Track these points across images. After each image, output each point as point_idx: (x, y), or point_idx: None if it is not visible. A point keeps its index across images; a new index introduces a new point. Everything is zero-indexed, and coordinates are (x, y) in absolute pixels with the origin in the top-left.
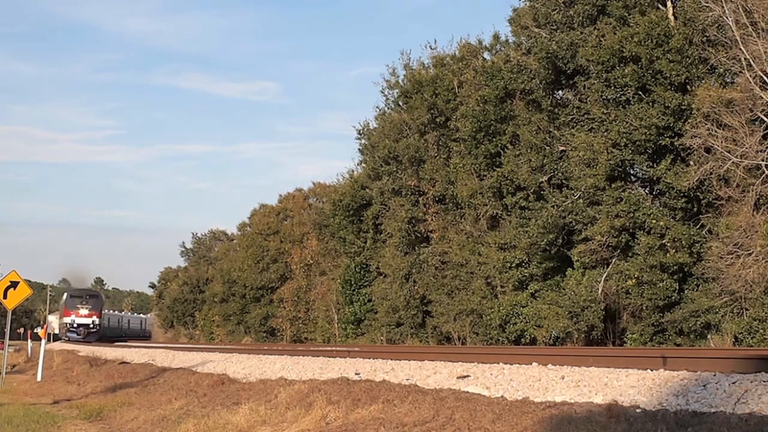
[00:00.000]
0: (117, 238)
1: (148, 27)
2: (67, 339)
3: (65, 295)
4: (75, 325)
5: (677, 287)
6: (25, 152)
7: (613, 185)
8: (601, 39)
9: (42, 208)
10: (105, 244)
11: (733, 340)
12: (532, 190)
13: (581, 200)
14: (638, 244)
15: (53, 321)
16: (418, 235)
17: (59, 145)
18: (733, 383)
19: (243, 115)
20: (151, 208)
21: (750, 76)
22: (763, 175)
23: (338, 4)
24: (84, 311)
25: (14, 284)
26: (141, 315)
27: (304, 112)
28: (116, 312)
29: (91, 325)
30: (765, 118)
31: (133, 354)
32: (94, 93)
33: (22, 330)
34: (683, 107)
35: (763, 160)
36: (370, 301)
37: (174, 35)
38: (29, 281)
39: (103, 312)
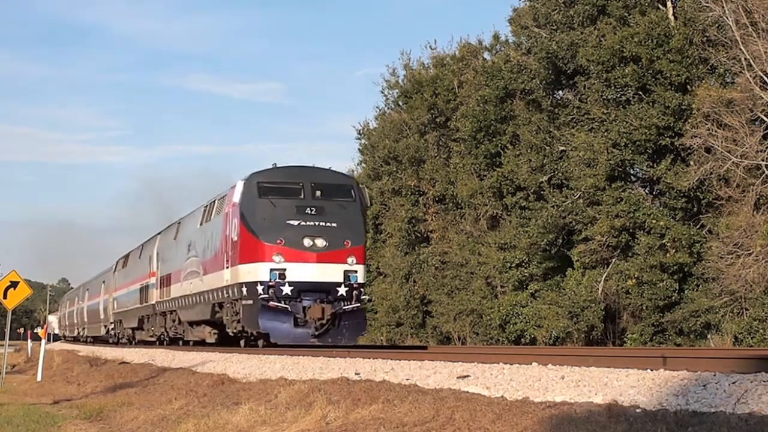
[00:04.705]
0: (120, 238)
1: (154, 28)
2: (249, 335)
3: (239, 189)
4: (287, 293)
5: (677, 287)
6: (31, 152)
7: (613, 185)
8: (601, 39)
9: (45, 208)
10: (107, 244)
11: (733, 340)
12: (532, 190)
13: (581, 200)
14: (638, 244)
15: (53, 321)
16: (418, 235)
17: (65, 145)
18: (733, 383)
19: (248, 116)
20: (155, 208)
21: (750, 76)
22: (763, 175)
23: (343, 4)
24: (317, 241)
25: (14, 284)
26: None
27: (307, 113)
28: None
29: (345, 293)
30: (765, 118)
31: (133, 354)
32: (100, 94)
33: (22, 330)
34: (683, 107)
35: (763, 160)
36: (370, 301)
37: (181, 37)
38: (29, 281)
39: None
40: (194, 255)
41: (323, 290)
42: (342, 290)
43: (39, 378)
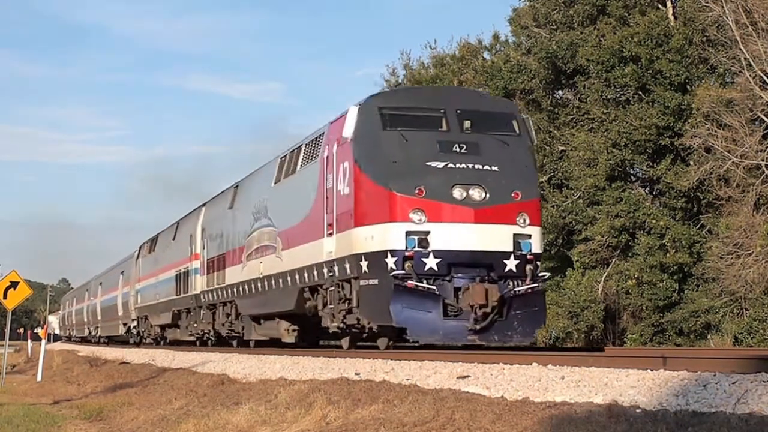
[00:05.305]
0: (121, 239)
1: (154, 28)
2: (364, 330)
3: (352, 118)
4: (432, 267)
5: (677, 287)
6: (31, 152)
7: (613, 185)
8: (601, 39)
9: (45, 208)
10: (107, 244)
11: (733, 340)
12: None
13: (581, 200)
14: (638, 244)
15: (53, 321)
16: None
17: (65, 145)
18: (733, 383)
19: (248, 116)
20: (156, 208)
21: (750, 76)
22: (763, 175)
23: (343, 4)
24: (473, 192)
25: (14, 284)
26: None
27: (307, 113)
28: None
29: (515, 267)
30: (765, 118)
31: (133, 354)
32: (101, 94)
33: (22, 330)
34: (683, 107)
35: (763, 160)
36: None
37: (181, 37)
38: (29, 281)
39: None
40: (266, 224)
41: (484, 263)
42: (511, 263)
43: (39, 378)
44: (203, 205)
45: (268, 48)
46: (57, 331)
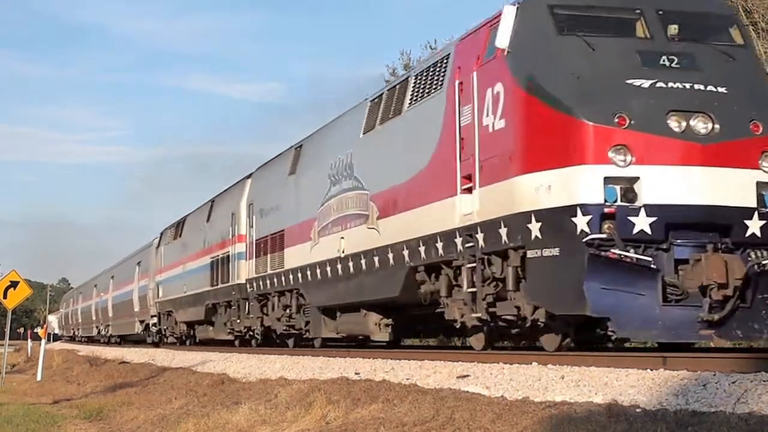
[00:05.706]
0: (120, 238)
1: (154, 28)
2: (521, 321)
3: (508, 22)
4: (644, 230)
5: None
6: (31, 152)
7: None
8: None
9: (45, 208)
10: (107, 244)
11: None
12: None
13: None
14: None
15: (53, 321)
16: None
17: (65, 145)
18: (733, 383)
19: (248, 116)
20: (155, 208)
21: None
22: None
23: (343, 4)
24: (696, 123)
25: (14, 284)
26: None
27: (307, 113)
28: None
29: (760, 231)
30: None
31: (133, 354)
32: (101, 94)
33: (22, 330)
34: None
35: None
36: None
37: (181, 37)
38: (29, 281)
39: None
40: (351, 187)
41: (717, 225)
42: (754, 225)
43: (39, 378)
44: (248, 176)
45: (268, 48)
46: (57, 331)
